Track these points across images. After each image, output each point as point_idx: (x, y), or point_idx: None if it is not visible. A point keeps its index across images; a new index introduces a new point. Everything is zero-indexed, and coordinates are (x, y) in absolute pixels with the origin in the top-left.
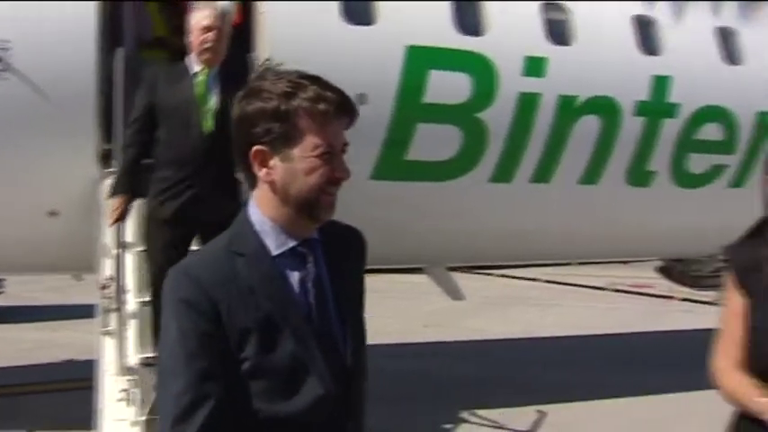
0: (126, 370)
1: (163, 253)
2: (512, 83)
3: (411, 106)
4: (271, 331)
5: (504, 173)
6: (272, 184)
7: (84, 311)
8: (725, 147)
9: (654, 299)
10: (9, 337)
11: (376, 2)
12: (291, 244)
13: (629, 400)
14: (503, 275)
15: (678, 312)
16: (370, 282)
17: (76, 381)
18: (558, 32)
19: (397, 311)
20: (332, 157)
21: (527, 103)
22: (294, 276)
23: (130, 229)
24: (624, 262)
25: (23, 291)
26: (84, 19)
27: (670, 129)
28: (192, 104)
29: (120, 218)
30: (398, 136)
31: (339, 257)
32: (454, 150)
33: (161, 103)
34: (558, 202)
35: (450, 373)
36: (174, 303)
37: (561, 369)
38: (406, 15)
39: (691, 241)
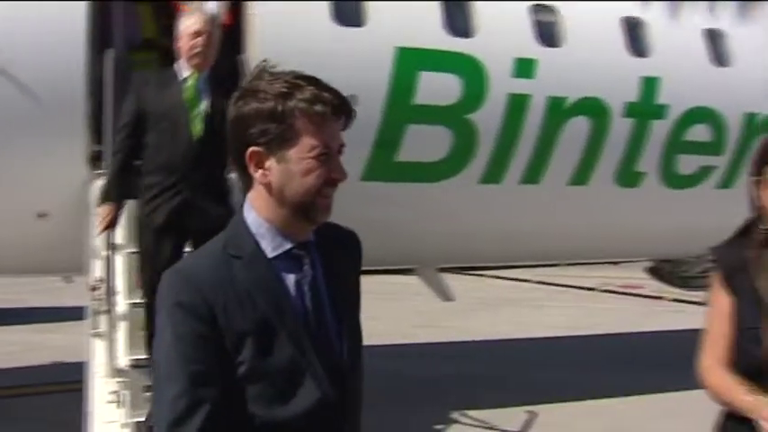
0: (116, 372)
1: (156, 260)
2: (501, 84)
3: (401, 108)
4: (267, 335)
5: (493, 174)
6: (267, 185)
7: (74, 313)
8: (713, 148)
9: (644, 299)
10: None
11: (366, 2)
12: (288, 246)
13: (619, 399)
14: (493, 276)
15: (668, 312)
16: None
17: (66, 383)
18: (548, 34)
19: (388, 312)
20: (329, 158)
21: (517, 105)
22: (290, 279)
23: (120, 230)
24: (614, 263)
25: (12, 293)
26: (74, 20)
27: (659, 130)
28: (181, 110)
29: (110, 225)
30: (389, 137)
31: (335, 260)
32: (444, 152)
33: (150, 108)
34: (548, 203)
35: (441, 373)
36: (170, 306)
37: (552, 369)
38: (396, 17)
39: (679, 242)
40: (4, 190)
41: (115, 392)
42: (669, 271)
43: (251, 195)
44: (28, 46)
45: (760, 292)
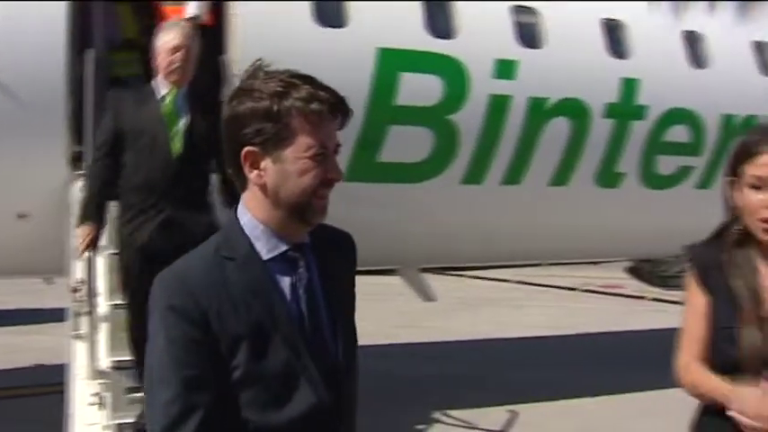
0: (97, 374)
1: (139, 282)
2: (483, 85)
3: (383, 108)
4: (262, 338)
5: (475, 175)
6: (263, 186)
7: (55, 315)
8: (692, 149)
9: (624, 299)
10: None
11: (348, 2)
12: (283, 248)
13: (600, 398)
14: (474, 276)
15: (648, 312)
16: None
17: (47, 385)
18: (529, 36)
19: (370, 313)
20: (325, 158)
21: (498, 106)
22: (285, 281)
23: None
24: (594, 262)
25: None
26: (54, 20)
27: (638, 131)
28: (159, 127)
29: (90, 245)
30: (370, 138)
31: (330, 261)
32: (426, 152)
33: (128, 126)
34: (529, 203)
35: (423, 373)
36: (163, 310)
37: (533, 369)
38: (377, 18)
39: (659, 242)
40: None
41: (97, 394)
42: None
43: (245, 196)
44: (7, 46)
45: (735, 292)
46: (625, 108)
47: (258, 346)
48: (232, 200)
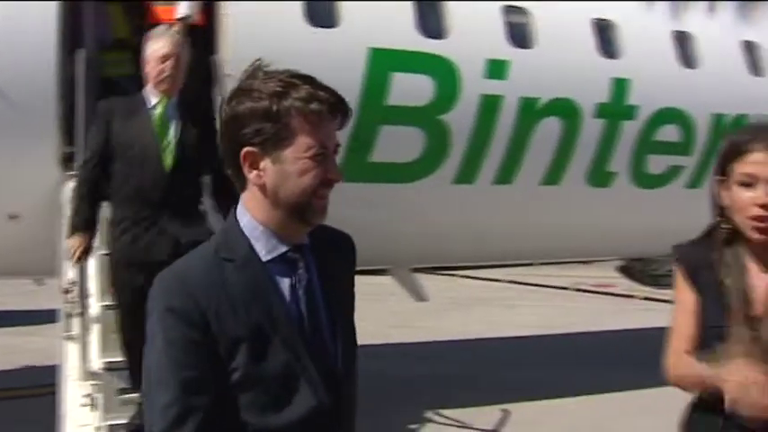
0: (89, 375)
1: (131, 297)
2: (474, 85)
3: (374, 108)
4: (261, 340)
5: (466, 174)
6: (262, 186)
7: (47, 317)
8: (682, 148)
9: (615, 298)
10: None
11: (339, 2)
12: (283, 249)
13: (592, 397)
14: (466, 276)
15: (639, 311)
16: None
17: (39, 387)
18: (520, 36)
19: (363, 313)
20: (325, 158)
21: (489, 106)
22: (285, 283)
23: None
24: (585, 262)
25: None
26: (45, 19)
27: (629, 130)
28: (150, 139)
29: (82, 256)
30: (362, 138)
31: (330, 262)
32: (418, 152)
33: (118, 138)
34: (521, 202)
35: (415, 373)
36: (161, 312)
37: (525, 368)
38: (368, 18)
39: (650, 241)
40: None
41: (89, 395)
42: (640, 270)
43: (245, 197)
44: None
45: (724, 291)
46: (616, 108)
47: (257, 348)
48: (225, 204)
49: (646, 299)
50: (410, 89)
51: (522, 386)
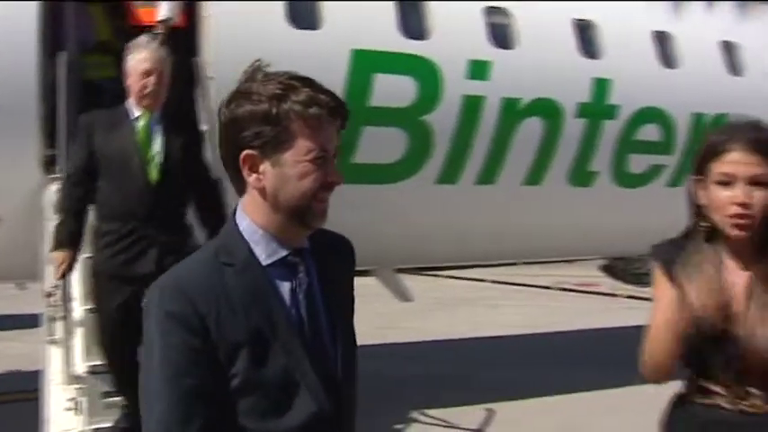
0: (73, 378)
1: (116, 312)
2: (456, 86)
3: (357, 110)
4: (261, 345)
5: (449, 175)
6: (262, 190)
7: (29, 321)
8: (663, 147)
9: (599, 297)
10: None
11: (321, 3)
12: (283, 253)
13: (576, 395)
14: (450, 276)
15: (623, 309)
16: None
17: (23, 392)
18: (501, 36)
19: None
20: (325, 161)
21: (471, 106)
22: (285, 287)
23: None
24: (569, 261)
25: None
26: (26, 21)
27: (610, 130)
28: (133, 152)
29: (67, 271)
30: (345, 139)
31: (329, 266)
32: (400, 153)
33: (100, 151)
34: (503, 203)
35: (401, 373)
36: (160, 317)
37: (509, 367)
38: (351, 19)
39: (632, 240)
40: None
41: (73, 399)
42: (623, 268)
43: (244, 201)
44: None
45: (702, 288)
46: (597, 108)
47: (257, 353)
48: (211, 226)
49: (629, 297)
50: (392, 90)
51: (507, 386)
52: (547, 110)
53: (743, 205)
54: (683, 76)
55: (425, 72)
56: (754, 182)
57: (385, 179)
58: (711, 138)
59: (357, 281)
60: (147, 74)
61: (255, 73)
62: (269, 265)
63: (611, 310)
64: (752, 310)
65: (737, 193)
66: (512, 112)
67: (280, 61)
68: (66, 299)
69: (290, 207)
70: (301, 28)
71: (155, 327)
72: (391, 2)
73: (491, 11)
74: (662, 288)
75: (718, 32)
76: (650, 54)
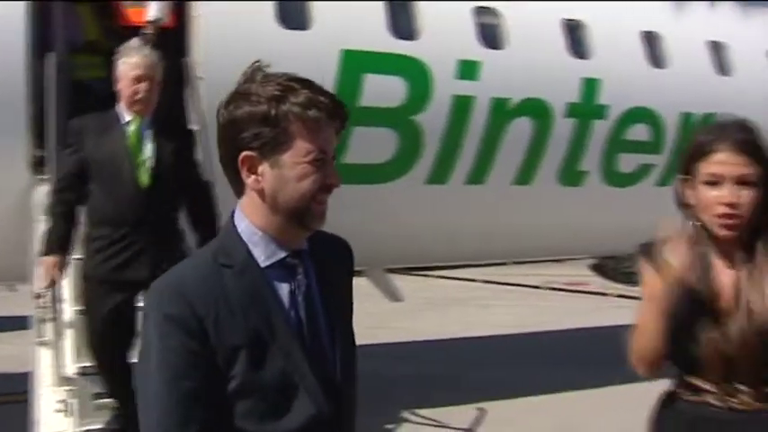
0: (63, 380)
1: (106, 318)
2: (446, 86)
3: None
4: (260, 347)
5: (439, 175)
6: (260, 191)
7: (19, 323)
8: (652, 147)
9: (589, 296)
10: None
11: (311, 3)
12: (282, 255)
13: (567, 395)
14: (441, 276)
15: (613, 308)
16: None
17: (12, 394)
18: (491, 36)
19: None
20: (324, 163)
21: (461, 106)
22: (284, 289)
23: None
24: (558, 260)
25: None
26: (14, 21)
27: (600, 130)
28: (124, 157)
29: (57, 276)
30: None
31: (328, 268)
32: (390, 153)
33: (91, 156)
34: (493, 202)
35: (391, 373)
36: (158, 320)
37: (500, 367)
38: (340, 20)
39: (621, 238)
40: None
41: (63, 401)
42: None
43: (243, 202)
44: None
45: (691, 287)
46: (586, 107)
47: (256, 356)
48: (202, 223)
49: (619, 296)
50: (382, 90)
51: (497, 385)
52: (536, 110)
53: (730, 205)
54: (671, 75)
55: (415, 72)
56: (742, 182)
57: (375, 179)
58: (699, 138)
59: None
60: (138, 80)
61: (254, 74)
62: (267, 267)
63: (601, 309)
64: (740, 309)
65: (725, 193)
66: (501, 112)
67: (269, 61)
68: (56, 300)
69: (288, 208)
70: (291, 28)
71: (153, 329)
72: (381, 2)
73: (480, 11)
74: (650, 286)
75: (707, 32)
76: (639, 54)
